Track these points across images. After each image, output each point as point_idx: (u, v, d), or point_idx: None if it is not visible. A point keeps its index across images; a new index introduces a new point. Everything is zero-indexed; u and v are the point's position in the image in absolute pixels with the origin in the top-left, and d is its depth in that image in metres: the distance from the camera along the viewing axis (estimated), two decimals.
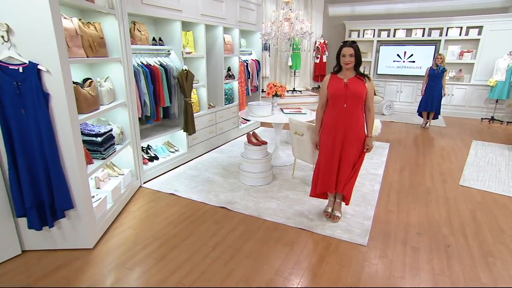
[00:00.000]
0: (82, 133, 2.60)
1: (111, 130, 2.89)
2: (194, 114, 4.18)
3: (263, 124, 6.27)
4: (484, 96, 7.17)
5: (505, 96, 6.61)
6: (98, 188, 2.84)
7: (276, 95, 4.20)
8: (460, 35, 7.28)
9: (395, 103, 8.02)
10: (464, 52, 7.33)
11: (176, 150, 4.23)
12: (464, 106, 7.47)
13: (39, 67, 1.96)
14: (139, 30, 3.47)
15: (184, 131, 4.10)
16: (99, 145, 2.69)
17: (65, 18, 2.31)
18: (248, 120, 5.81)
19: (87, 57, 2.56)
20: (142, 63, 3.53)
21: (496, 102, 6.85)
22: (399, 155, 4.66)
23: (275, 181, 3.67)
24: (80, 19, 2.56)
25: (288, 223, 2.79)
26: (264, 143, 3.62)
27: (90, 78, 2.75)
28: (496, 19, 6.84)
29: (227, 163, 4.23)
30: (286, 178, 3.75)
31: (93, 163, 2.63)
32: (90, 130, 2.70)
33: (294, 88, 8.49)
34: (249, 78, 5.68)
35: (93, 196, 2.61)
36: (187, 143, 4.26)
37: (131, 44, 3.22)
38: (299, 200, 3.21)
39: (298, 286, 2.04)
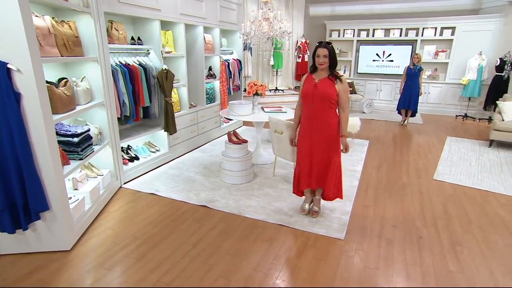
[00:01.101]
0: (58, 134, 2.56)
1: (88, 130, 2.85)
2: (175, 114, 4.17)
3: (245, 123, 6.30)
4: (458, 94, 7.46)
5: (476, 94, 6.91)
6: (76, 189, 2.80)
7: (256, 94, 4.24)
8: (435, 35, 7.54)
9: (375, 101, 8.22)
10: (439, 51, 7.60)
11: (157, 150, 4.20)
12: (440, 103, 7.74)
13: (8, 66, 1.92)
14: (116, 29, 3.43)
15: (165, 130, 4.08)
16: (75, 146, 2.65)
17: (36, 16, 2.27)
18: (230, 119, 5.83)
19: (62, 56, 2.51)
20: (121, 62, 3.49)
21: (469, 99, 7.14)
22: (377, 152, 4.80)
23: (256, 179, 3.71)
24: (53, 18, 2.51)
25: (268, 219, 2.83)
26: (245, 141, 3.65)
27: (66, 78, 2.70)
28: (467, 20, 7.13)
29: (208, 162, 4.24)
30: (267, 176, 3.79)
31: (69, 163, 2.59)
32: (66, 131, 2.66)
33: (276, 87, 8.56)
34: (231, 77, 5.70)
35: (70, 197, 2.57)
36: (168, 143, 4.24)
37: (109, 43, 3.18)
38: (279, 197, 3.26)
39: (279, 286, 2.09)
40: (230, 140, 3.66)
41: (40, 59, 2.09)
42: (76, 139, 2.63)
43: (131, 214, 2.92)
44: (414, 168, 4.15)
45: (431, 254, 2.36)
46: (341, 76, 2.50)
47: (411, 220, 2.87)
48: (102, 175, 3.16)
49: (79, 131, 2.69)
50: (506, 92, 6.42)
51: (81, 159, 2.69)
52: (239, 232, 2.65)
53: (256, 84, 4.22)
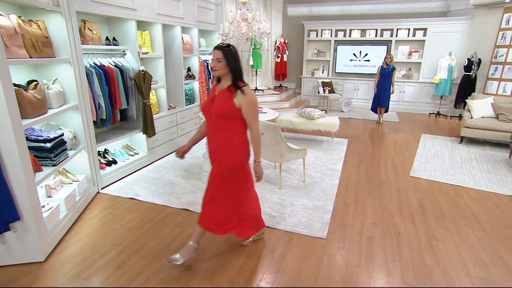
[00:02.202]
0: (29, 139, 2.44)
1: (62, 135, 2.73)
2: (154, 116, 4.08)
3: None
4: (431, 92, 7.77)
5: (447, 92, 7.23)
6: (50, 196, 2.67)
7: None
8: (408, 36, 7.81)
9: (353, 100, 8.41)
10: (412, 52, 7.88)
11: (135, 153, 4.09)
12: (414, 102, 8.03)
13: None
14: (90, 29, 3.31)
15: (143, 133, 3.98)
16: (48, 151, 2.53)
17: (0, 15, 2.14)
18: None
19: (31, 58, 2.39)
20: (95, 64, 3.37)
21: (441, 98, 7.45)
22: (356, 150, 4.90)
23: None
24: (19, 17, 2.39)
25: None
26: None
27: (35, 80, 2.57)
28: (437, 22, 7.44)
29: (189, 165, 4.18)
30: None
31: (42, 170, 2.47)
32: (38, 136, 2.53)
33: (256, 87, 8.56)
34: (210, 78, 5.64)
35: (43, 206, 2.45)
36: (147, 146, 4.14)
37: (82, 44, 3.07)
38: (261, 198, 3.21)
39: (262, 286, 2.09)
40: None
41: (6, 61, 1.98)
42: (48, 145, 2.51)
43: (110, 221, 2.83)
44: (392, 165, 4.27)
45: (409, 249, 2.44)
46: (244, 86, 1.98)
47: (390, 216, 2.95)
48: (78, 181, 3.04)
49: (51, 136, 2.57)
50: (474, 91, 6.77)
51: (54, 165, 2.58)
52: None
53: None
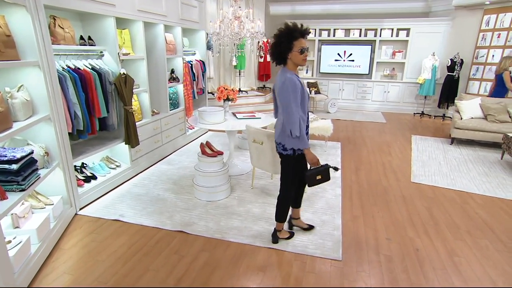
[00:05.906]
0: None
1: (31, 152, 2.29)
2: (137, 123, 3.67)
3: (211, 129, 5.90)
4: (415, 92, 7.82)
5: (431, 92, 7.29)
6: (17, 227, 2.24)
7: (227, 99, 3.91)
8: (392, 36, 7.80)
9: (338, 101, 8.31)
10: (396, 52, 7.89)
11: (117, 166, 3.66)
12: (399, 102, 8.06)
13: None
14: (61, 27, 2.87)
15: (126, 143, 3.56)
16: (14, 174, 2.10)
17: None
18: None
19: None
20: (69, 67, 2.93)
21: (425, 98, 7.52)
22: (351, 154, 4.74)
23: (234, 193, 3.38)
24: None
25: (255, 243, 2.54)
26: (220, 153, 3.30)
27: None
28: (420, 22, 7.49)
29: (177, 176, 3.81)
30: (245, 189, 3.49)
31: (7, 198, 2.04)
32: (1, 156, 2.09)
33: (240, 89, 8.25)
34: (195, 80, 5.27)
35: (9, 241, 2.03)
36: (129, 157, 3.73)
37: (52, 43, 2.63)
38: (263, 213, 2.98)
39: None
40: (203, 152, 3.28)
41: None
42: (15, 166, 2.08)
43: (93, 250, 2.43)
44: (390, 170, 4.13)
45: (433, 269, 2.26)
46: None
47: (402, 229, 2.77)
48: (52, 204, 2.61)
49: (18, 155, 2.13)
50: (457, 91, 6.87)
51: (23, 189, 2.14)
52: (226, 261, 2.31)
53: (227, 89, 3.89)
